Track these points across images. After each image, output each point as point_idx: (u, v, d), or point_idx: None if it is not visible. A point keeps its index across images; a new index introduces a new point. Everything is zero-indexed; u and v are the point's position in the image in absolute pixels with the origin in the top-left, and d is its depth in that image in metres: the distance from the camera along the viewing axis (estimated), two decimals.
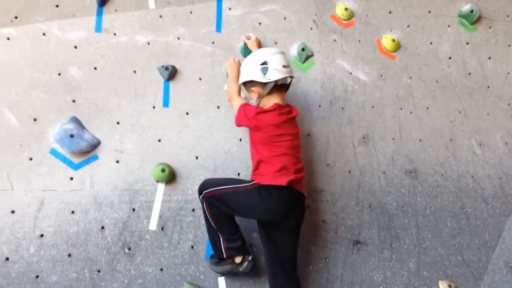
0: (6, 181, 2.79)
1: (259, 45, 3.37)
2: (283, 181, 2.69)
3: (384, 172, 3.61)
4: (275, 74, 2.81)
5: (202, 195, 2.80)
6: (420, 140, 3.76)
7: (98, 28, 3.20)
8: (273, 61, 2.83)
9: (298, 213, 2.88)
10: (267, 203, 2.71)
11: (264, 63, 2.83)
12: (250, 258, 2.91)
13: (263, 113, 2.81)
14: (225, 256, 2.90)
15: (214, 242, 2.92)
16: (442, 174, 3.76)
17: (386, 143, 3.67)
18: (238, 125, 2.95)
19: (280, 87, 2.90)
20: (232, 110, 3.09)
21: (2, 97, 2.89)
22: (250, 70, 2.90)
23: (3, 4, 3.01)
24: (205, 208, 2.82)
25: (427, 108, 3.86)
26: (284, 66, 2.85)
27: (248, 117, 2.82)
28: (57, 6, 3.13)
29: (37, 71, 3.00)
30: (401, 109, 3.78)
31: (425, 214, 3.63)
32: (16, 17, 3.04)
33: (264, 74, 2.81)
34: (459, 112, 3.94)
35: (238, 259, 2.91)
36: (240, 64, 3.13)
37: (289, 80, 2.98)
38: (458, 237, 3.69)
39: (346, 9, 3.80)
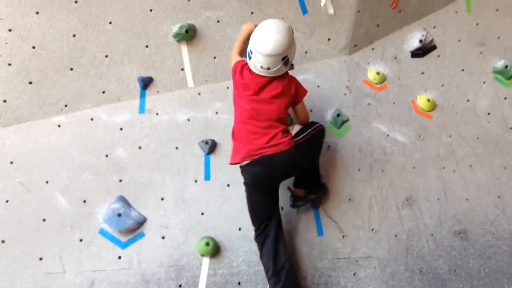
0: (58, 264, 2.88)
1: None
2: (236, 158, 2.89)
3: (432, 235, 3.49)
4: (253, 67, 2.89)
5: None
6: (466, 199, 3.66)
7: (142, 109, 3.38)
8: (255, 56, 2.82)
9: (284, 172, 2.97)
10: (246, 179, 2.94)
11: (251, 51, 2.86)
12: None
13: (241, 69, 2.95)
14: None
15: None
16: (494, 234, 3.60)
17: (432, 204, 3.58)
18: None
19: None
20: None
21: (54, 182, 3.05)
22: (249, 44, 2.91)
23: (54, 95, 3.24)
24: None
25: (471, 166, 3.78)
26: (262, 67, 2.83)
27: (232, 70, 3.02)
28: (103, 92, 3.33)
29: (86, 154, 3.17)
30: (444, 168, 3.72)
31: (479, 277, 3.46)
32: (66, 105, 3.25)
33: (249, 59, 2.90)
34: (505, 168, 3.84)
35: None
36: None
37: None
38: None
39: (378, 73, 3.87)
